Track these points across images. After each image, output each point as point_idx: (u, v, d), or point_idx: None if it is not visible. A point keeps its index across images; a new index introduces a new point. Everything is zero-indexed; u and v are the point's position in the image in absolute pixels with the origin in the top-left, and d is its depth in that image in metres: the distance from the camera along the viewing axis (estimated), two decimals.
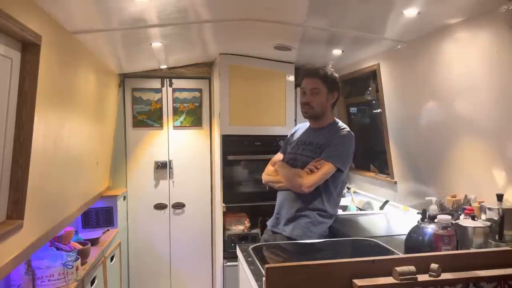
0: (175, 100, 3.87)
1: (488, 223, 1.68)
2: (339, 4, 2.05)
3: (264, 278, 1.19)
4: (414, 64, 2.47)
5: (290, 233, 2.18)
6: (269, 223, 2.37)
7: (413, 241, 1.73)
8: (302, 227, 2.17)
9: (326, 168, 2.11)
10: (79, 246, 2.48)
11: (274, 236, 2.29)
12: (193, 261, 3.93)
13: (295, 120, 3.53)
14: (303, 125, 2.44)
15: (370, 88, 3.10)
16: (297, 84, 3.60)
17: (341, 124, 2.29)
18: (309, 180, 2.10)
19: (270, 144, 3.42)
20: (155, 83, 3.84)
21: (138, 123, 3.81)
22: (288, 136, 2.49)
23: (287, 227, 2.21)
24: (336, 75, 2.28)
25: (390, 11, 2.03)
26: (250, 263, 1.69)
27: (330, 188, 2.19)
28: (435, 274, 1.20)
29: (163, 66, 3.69)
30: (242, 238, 3.39)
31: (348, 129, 2.25)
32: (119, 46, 2.78)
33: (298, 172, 2.15)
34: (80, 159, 2.56)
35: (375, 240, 1.98)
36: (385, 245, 1.86)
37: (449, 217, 1.61)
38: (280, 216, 2.29)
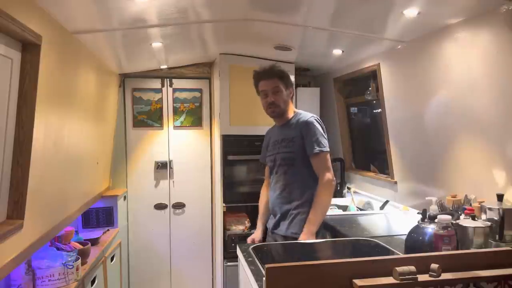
0: (175, 100, 3.87)
1: (488, 223, 1.68)
2: (339, 4, 2.05)
3: (264, 278, 1.19)
4: (414, 64, 2.47)
5: (285, 232, 2.20)
6: (268, 224, 2.40)
7: (413, 241, 1.73)
8: (298, 224, 2.17)
9: (324, 157, 2.20)
10: (79, 246, 2.48)
11: (273, 237, 2.29)
12: (193, 261, 3.93)
13: None
14: (270, 129, 2.52)
15: (370, 88, 3.10)
16: (297, 84, 3.60)
17: (302, 112, 2.35)
18: (327, 174, 2.17)
19: None
20: (155, 83, 3.84)
21: (138, 123, 3.81)
22: (263, 146, 2.54)
23: (282, 225, 2.24)
24: (287, 71, 2.37)
25: (390, 11, 2.03)
26: (250, 263, 1.69)
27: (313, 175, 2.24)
28: (435, 274, 1.20)
29: (163, 66, 3.69)
30: (242, 238, 3.38)
31: (310, 115, 2.31)
32: (119, 46, 2.78)
33: (321, 196, 2.15)
34: (80, 159, 2.56)
35: (375, 240, 1.98)
36: (385, 245, 1.86)
37: (449, 217, 1.61)
38: (274, 214, 2.33)
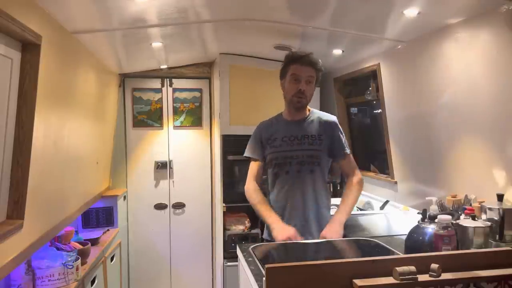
0: (175, 100, 3.87)
1: (489, 223, 1.68)
2: (339, 4, 2.05)
3: (264, 278, 1.19)
4: (414, 64, 2.46)
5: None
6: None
7: (414, 241, 1.73)
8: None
9: (351, 157, 2.21)
10: (79, 246, 2.48)
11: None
12: (193, 261, 3.93)
13: None
14: (268, 121, 2.27)
15: (370, 88, 3.10)
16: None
17: (317, 111, 2.29)
18: (359, 173, 2.19)
19: None
20: (155, 83, 3.84)
21: (138, 123, 3.81)
22: (256, 140, 2.25)
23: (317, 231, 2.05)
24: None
25: (390, 11, 2.03)
26: (250, 263, 1.69)
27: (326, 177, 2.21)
28: (435, 274, 1.20)
29: (163, 66, 3.69)
30: (242, 238, 3.38)
31: (329, 114, 2.27)
32: (119, 46, 2.78)
33: (353, 191, 2.14)
34: (80, 159, 2.56)
35: (375, 240, 1.98)
36: (385, 245, 1.86)
37: (449, 217, 1.61)
38: (301, 219, 2.09)
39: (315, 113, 2.24)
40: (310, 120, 2.18)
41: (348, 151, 2.18)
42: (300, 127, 2.17)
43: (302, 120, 2.18)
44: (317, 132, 2.14)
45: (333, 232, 1.98)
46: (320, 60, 2.14)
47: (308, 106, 2.23)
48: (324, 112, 2.28)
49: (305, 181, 2.11)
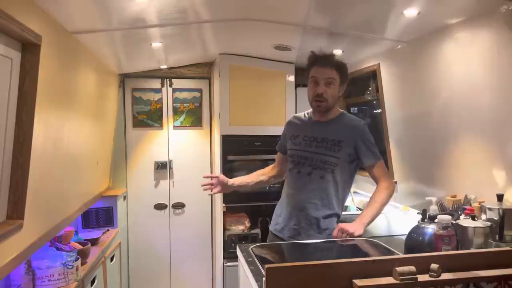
0: (175, 100, 3.87)
1: (488, 223, 1.68)
2: (339, 4, 2.05)
3: (264, 278, 1.19)
4: (414, 64, 2.46)
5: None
6: (276, 226, 2.17)
7: (413, 241, 1.73)
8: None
9: (383, 163, 2.09)
10: (79, 246, 2.48)
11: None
12: (193, 261, 3.93)
13: None
14: (299, 116, 2.25)
15: (370, 88, 3.10)
16: (297, 84, 3.59)
17: (350, 115, 2.20)
18: (391, 181, 2.09)
19: (270, 144, 3.40)
20: (155, 83, 3.83)
21: (138, 123, 3.81)
22: (284, 130, 2.28)
23: (307, 235, 2.03)
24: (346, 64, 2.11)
25: (390, 11, 2.03)
26: (250, 263, 1.69)
27: (346, 186, 2.12)
28: (435, 274, 1.20)
29: (163, 66, 3.69)
30: (242, 238, 3.39)
31: (358, 118, 2.18)
32: (119, 46, 2.78)
33: (380, 195, 2.02)
34: (80, 159, 2.56)
35: (375, 240, 1.98)
36: (385, 245, 1.86)
37: (449, 217, 1.61)
38: (290, 217, 2.09)
39: (346, 116, 2.16)
40: (336, 123, 2.10)
41: (376, 159, 2.05)
42: (323, 129, 2.10)
43: (327, 122, 2.11)
44: (339, 137, 2.04)
45: (351, 226, 1.92)
46: (342, 59, 2.08)
47: (339, 109, 2.16)
48: (354, 116, 2.20)
49: (313, 185, 2.06)
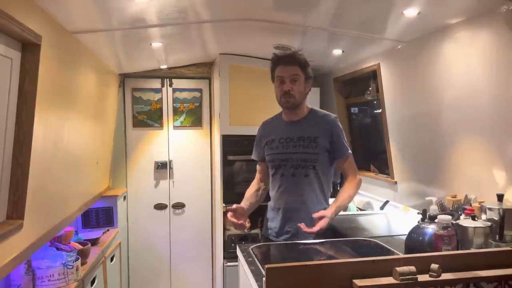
0: (175, 100, 3.87)
1: (489, 223, 1.68)
2: (339, 4, 2.05)
3: (264, 278, 1.19)
4: (414, 64, 2.47)
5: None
6: (273, 228, 2.15)
7: (413, 241, 1.73)
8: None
9: (352, 158, 2.13)
10: (79, 246, 2.48)
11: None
12: (193, 261, 3.93)
13: None
14: (269, 121, 2.27)
15: (370, 88, 3.10)
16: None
17: (319, 110, 2.24)
18: (358, 175, 2.13)
19: None
20: (155, 83, 3.84)
21: (138, 123, 3.81)
22: (257, 137, 2.27)
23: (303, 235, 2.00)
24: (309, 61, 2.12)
25: (390, 11, 2.03)
26: (250, 263, 1.69)
27: (329, 179, 2.15)
28: (435, 274, 1.20)
29: (163, 66, 3.69)
30: (242, 238, 3.39)
31: (330, 113, 2.20)
32: (119, 46, 2.78)
33: (349, 187, 2.08)
34: (80, 159, 2.56)
35: (375, 240, 1.98)
36: (385, 245, 1.86)
37: (449, 217, 1.61)
38: (286, 220, 2.09)
39: (317, 112, 2.19)
40: (308, 120, 2.13)
41: (347, 152, 2.10)
42: (297, 128, 2.12)
43: (299, 121, 2.14)
44: (314, 133, 2.08)
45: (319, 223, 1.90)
46: (303, 56, 2.09)
47: (308, 106, 2.19)
48: (324, 111, 2.22)
49: (299, 185, 2.08)
